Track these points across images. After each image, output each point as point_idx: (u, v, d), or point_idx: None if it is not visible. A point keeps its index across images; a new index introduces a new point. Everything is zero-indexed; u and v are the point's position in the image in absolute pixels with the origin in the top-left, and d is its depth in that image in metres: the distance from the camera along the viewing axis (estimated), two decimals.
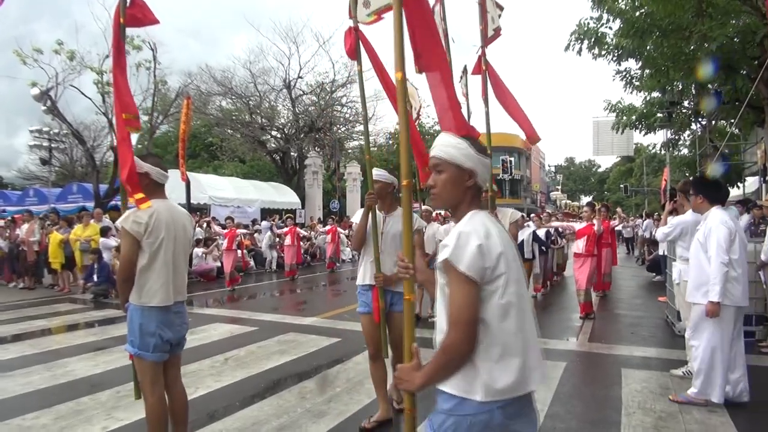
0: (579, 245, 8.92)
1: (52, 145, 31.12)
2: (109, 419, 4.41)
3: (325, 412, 4.54)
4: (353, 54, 4.27)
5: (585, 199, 79.95)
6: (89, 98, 21.14)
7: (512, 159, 52.58)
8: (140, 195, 3.34)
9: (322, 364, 6.04)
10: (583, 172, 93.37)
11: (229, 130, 31.36)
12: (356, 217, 4.27)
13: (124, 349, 3.43)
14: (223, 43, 65.31)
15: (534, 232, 10.30)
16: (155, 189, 3.41)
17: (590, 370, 5.97)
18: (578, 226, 9.39)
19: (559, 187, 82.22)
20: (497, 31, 5.20)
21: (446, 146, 1.92)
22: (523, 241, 9.49)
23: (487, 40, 5.13)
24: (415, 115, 7.66)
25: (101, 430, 4.21)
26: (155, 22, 3.91)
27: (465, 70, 5.76)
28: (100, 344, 7.08)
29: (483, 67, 5.12)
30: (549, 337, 7.29)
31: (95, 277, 11.45)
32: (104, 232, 12.10)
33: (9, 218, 16.53)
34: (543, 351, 1.91)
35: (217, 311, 9.96)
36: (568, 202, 68.04)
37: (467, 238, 1.74)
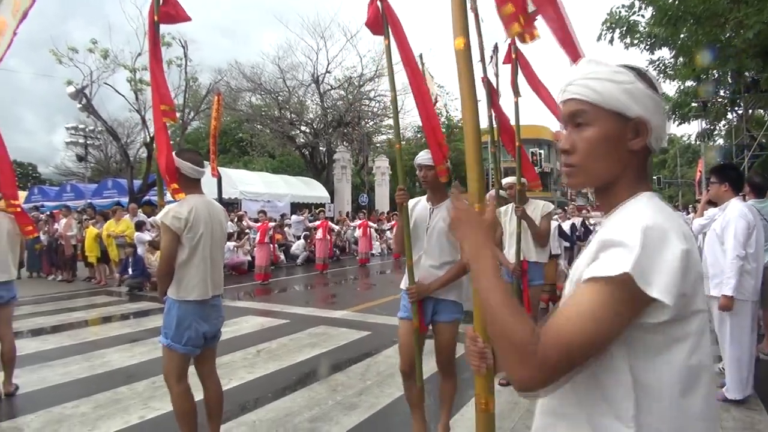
0: None
1: (88, 142, 31.91)
2: (146, 409, 4.52)
3: (356, 405, 4.58)
4: (375, 26, 3.71)
5: None
6: (123, 95, 21.63)
7: (542, 151, 51.79)
8: (176, 185, 3.41)
9: (353, 357, 6.08)
10: None
11: (258, 126, 31.67)
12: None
13: (158, 341, 3.50)
14: (252, 39, 66.10)
15: (559, 226, 9.63)
16: (189, 184, 3.46)
17: None
18: None
19: None
20: (533, 15, 4.82)
21: (593, 78, 1.14)
22: None
23: None
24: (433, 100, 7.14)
25: (138, 419, 4.32)
26: (187, 19, 3.98)
27: (496, 49, 5.50)
28: (136, 336, 7.24)
29: (513, 56, 4.93)
30: None
31: (130, 271, 11.72)
32: (139, 226, 12.37)
33: (48, 213, 17.01)
34: None
35: (249, 304, 10.10)
36: None
37: (663, 235, 1.02)
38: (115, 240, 12.66)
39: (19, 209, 4.93)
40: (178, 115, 22.99)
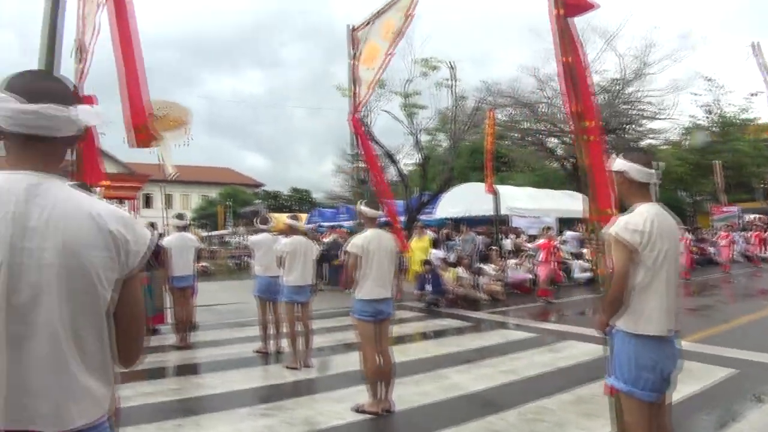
0: None
1: (360, 166, 34.85)
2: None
3: None
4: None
5: None
6: (399, 120, 23.02)
7: None
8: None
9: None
10: None
11: (518, 139, 31.48)
12: None
13: (605, 380, 3.02)
14: (506, 56, 67.44)
15: None
16: (637, 190, 2.98)
17: None
18: None
19: None
20: None
21: None
22: None
23: None
24: None
25: None
26: (592, 6, 3.79)
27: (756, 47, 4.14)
28: (470, 356, 7.10)
29: None
30: None
31: (427, 287, 11.98)
32: (436, 243, 12.68)
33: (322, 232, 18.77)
34: None
35: (556, 326, 9.60)
36: None
37: None
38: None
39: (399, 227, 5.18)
40: (446, 135, 23.84)
